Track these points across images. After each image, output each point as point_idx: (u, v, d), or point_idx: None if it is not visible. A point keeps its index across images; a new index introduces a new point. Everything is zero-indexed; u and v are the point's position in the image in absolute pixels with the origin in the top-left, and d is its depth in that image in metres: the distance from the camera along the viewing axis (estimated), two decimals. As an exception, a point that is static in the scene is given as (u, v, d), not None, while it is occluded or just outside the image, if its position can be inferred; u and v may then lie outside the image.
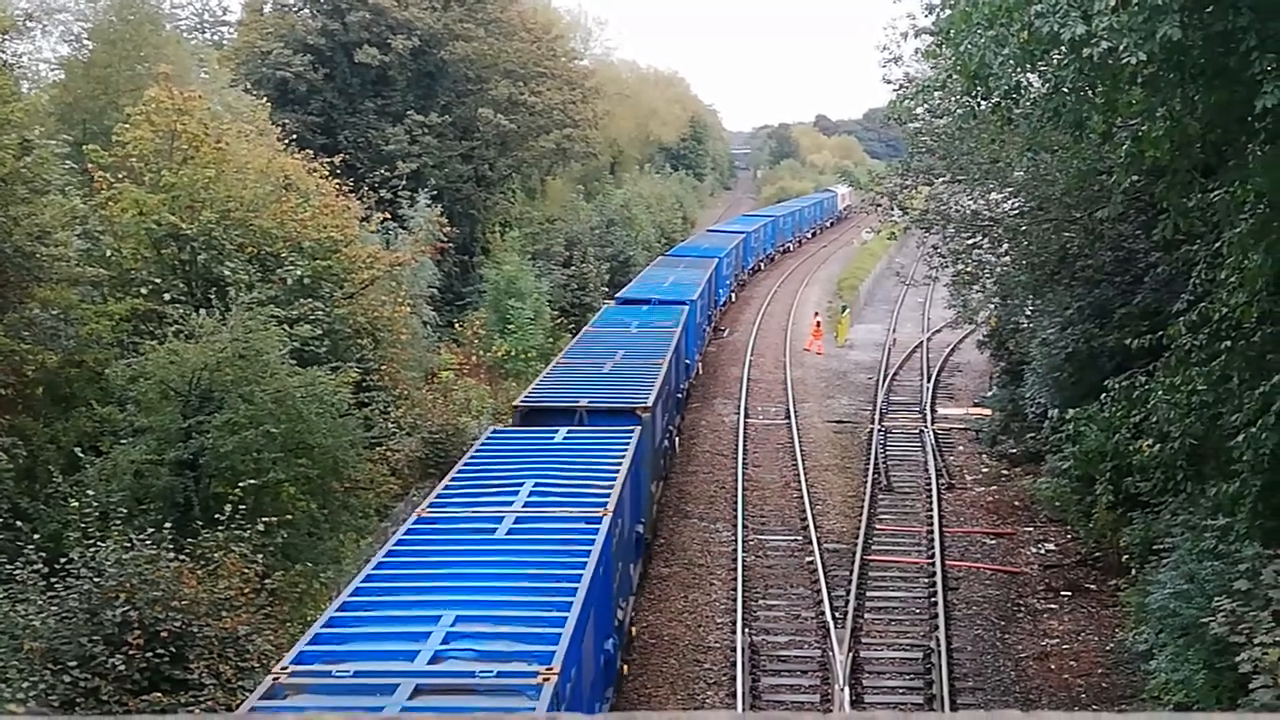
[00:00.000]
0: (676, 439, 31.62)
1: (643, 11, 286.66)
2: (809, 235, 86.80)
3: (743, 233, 64.40)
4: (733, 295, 57.56)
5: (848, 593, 22.29)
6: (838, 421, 35.86)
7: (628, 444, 20.28)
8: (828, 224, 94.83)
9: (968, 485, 29.83)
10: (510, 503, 16.95)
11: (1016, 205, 26.89)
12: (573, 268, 55.22)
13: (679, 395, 33.10)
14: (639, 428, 21.77)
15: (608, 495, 17.11)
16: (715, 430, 34.80)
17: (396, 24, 51.24)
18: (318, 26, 50.61)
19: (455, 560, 14.68)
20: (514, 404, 25.06)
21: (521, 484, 17.68)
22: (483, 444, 21.06)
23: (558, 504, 16.97)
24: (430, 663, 11.68)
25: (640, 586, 22.19)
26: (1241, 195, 13.79)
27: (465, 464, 19.63)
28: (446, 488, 18.20)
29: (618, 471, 18.51)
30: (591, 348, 30.94)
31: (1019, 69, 13.36)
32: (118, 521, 17.30)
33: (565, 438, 21.10)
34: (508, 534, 15.63)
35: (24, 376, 21.54)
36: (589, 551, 14.71)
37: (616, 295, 43.28)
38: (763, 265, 69.63)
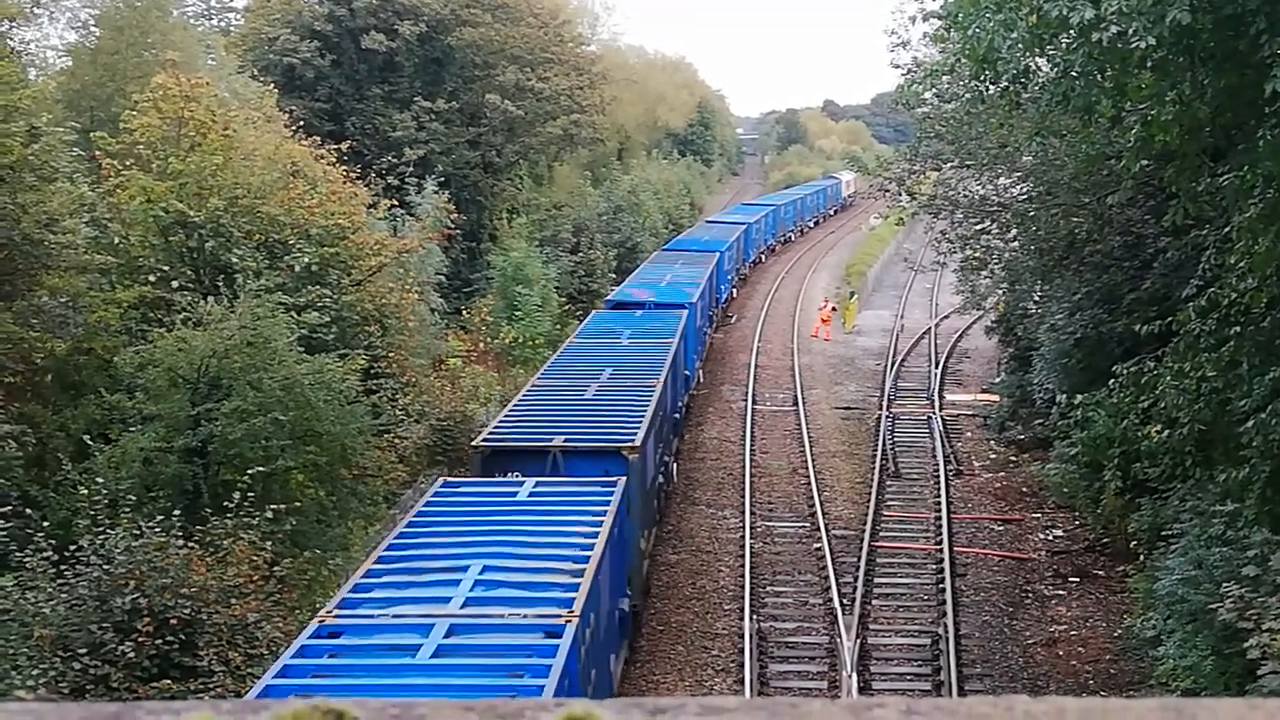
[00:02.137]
0: (674, 466, 28.03)
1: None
2: (811, 224, 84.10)
3: (744, 223, 60.82)
4: (734, 291, 54.73)
5: (855, 579, 22.30)
6: (845, 408, 35.84)
7: (609, 501, 16.70)
8: (831, 212, 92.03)
9: (975, 471, 29.80)
10: (447, 599, 13.05)
11: (1025, 190, 26.82)
12: (580, 254, 55.16)
13: (676, 416, 29.48)
14: (624, 477, 18.12)
15: (576, 588, 13.34)
16: (723, 416, 34.80)
17: (404, 9, 51.18)
18: (325, 12, 50.58)
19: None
20: (474, 444, 20.59)
21: (467, 567, 13.91)
22: (429, 501, 17.16)
23: (509, 602, 13.25)
24: None
25: (650, 571, 22.16)
26: (1251, 180, 13.73)
27: (401, 533, 15.67)
28: (369, 573, 14.12)
29: (593, 545, 14.77)
30: (575, 365, 27.11)
31: (1028, 53, 13.31)
32: (127, 509, 17.35)
33: (532, 493, 17.29)
34: (433, 656, 11.84)
35: (33, 364, 21.59)
36: (541, 687, 11.05)
37: (607, 298, 39.57)
38: (763, 257, 66.77)
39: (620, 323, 32.72)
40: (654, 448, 22.75)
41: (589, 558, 14.26)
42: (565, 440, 20.03)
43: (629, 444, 19.76)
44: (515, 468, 19.26)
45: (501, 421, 22.00)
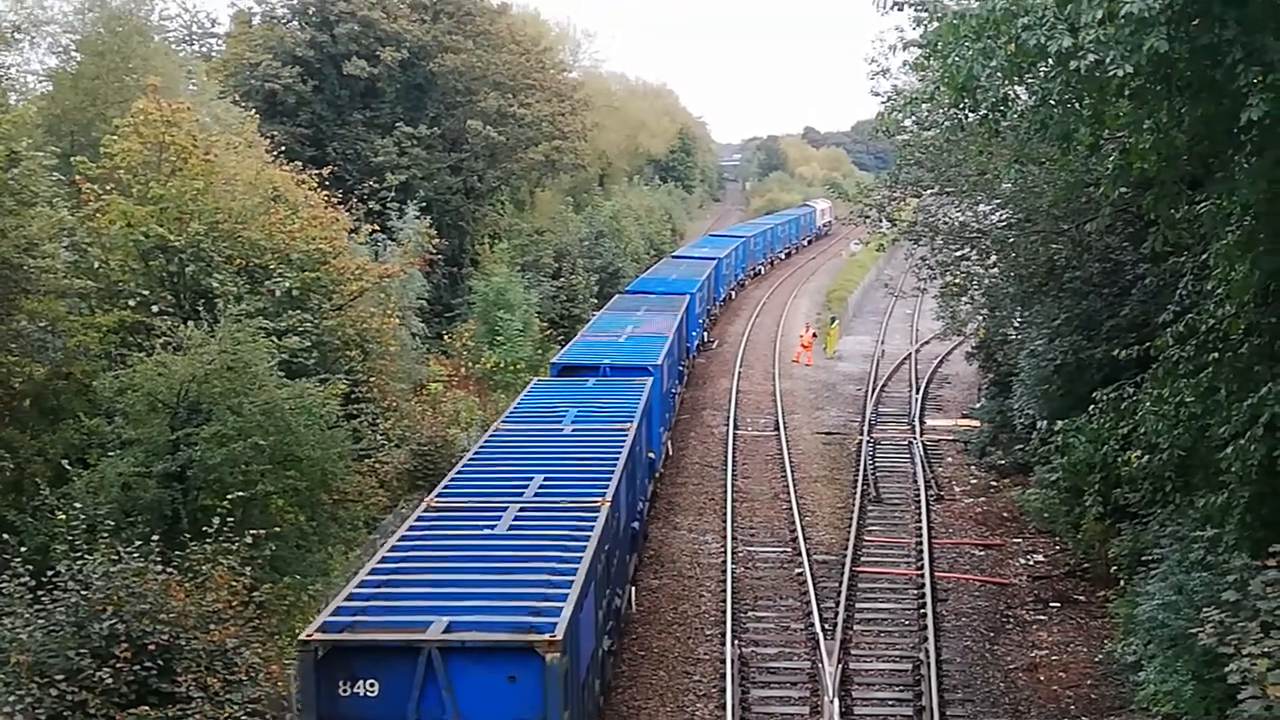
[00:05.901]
0: (631, 593, 21.96)
1: (631, 24, 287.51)
2: (782, 256, 79.82)
3: (714, 258, 55.85)
4: (705, 335, 49.27)
5: (837, 604, 22.28)
6: (827, 433, 35.90)
7: None
8: (804, 242, 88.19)
9: (956, 497, 29.86)
10: None
11: (1004, 217, 26.95)
12: (562, 279, 55.29)
13: (635, 526, 22.94)
14: (539, 713, 12.07)
15: None
16: (704, 442, 34.80)
17: (385, 36, 51.30)
18: (306, 38, 50.63)
19: None
20: (303, 639, 13.05)
21: None
22: None
23: None
24: None
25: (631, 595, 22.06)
26: (1228, 207, 13.86)
27: None
28: None
29: None
30: (494, 472, 20.01)
31: (1006, 81, 13.40)
32: (105, 534, 17.20)
33: None
34: None
35: (11, 389, 21.47)
36: None
37: (554, 359, 32.50)
38: (733, 294, 62.78)
39: (566, 396, 26.26)
40: (594, 607, 16.00)
41: None
42: (449, 628, 13.04)
43: (548, 635, 12.79)
44: (368, 675, 12.81)
45: (360, 589, 14.49)
